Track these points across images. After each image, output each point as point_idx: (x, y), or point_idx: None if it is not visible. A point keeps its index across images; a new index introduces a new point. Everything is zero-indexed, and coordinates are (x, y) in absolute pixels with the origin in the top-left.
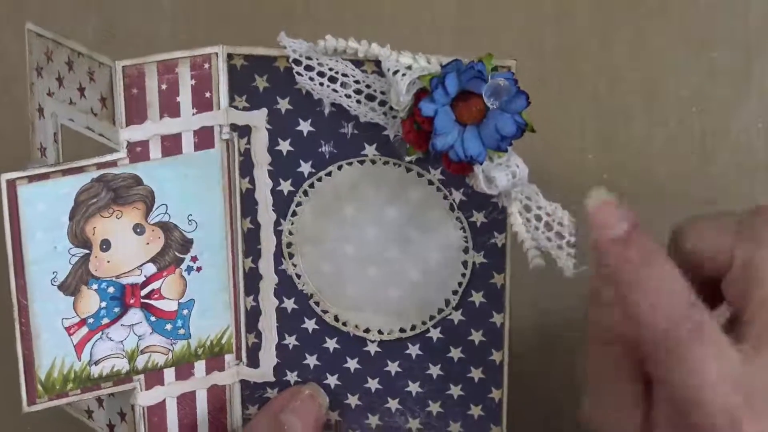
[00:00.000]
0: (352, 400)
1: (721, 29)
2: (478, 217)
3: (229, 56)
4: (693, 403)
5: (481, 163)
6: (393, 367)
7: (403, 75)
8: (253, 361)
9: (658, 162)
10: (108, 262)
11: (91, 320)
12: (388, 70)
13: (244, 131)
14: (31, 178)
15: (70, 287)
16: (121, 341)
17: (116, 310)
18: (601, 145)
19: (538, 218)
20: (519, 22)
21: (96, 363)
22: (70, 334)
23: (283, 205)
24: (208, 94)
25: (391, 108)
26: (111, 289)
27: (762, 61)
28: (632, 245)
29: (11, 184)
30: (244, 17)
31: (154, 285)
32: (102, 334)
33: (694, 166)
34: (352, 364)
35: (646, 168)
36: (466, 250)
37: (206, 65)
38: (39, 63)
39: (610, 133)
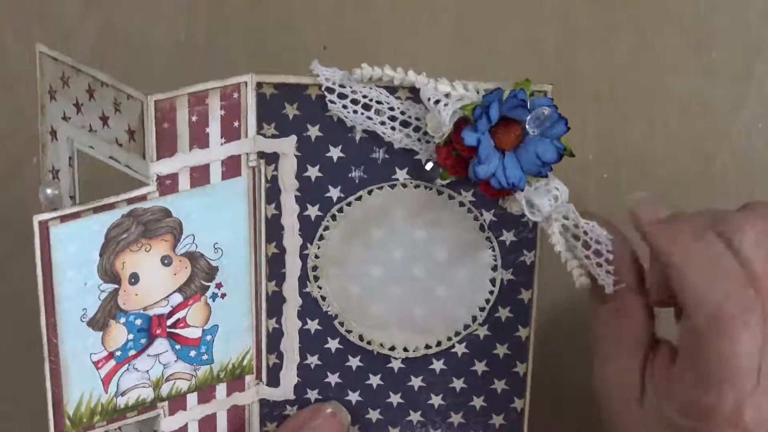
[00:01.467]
0: (373, 415)
1: (721, 29)
2: (508, 237)
3: (258, 85)
4: (716, 377)
5: (522, 190)
6: (416, 382)
7: (445, 105)
8: (274, 381)
9: (658, 162)
10: (136, 295)
11: (118, 353)
12: (429, 99)
13: (271, 158)
14: (63, 218)
15: (99, 322)
16: (147, 371)
17: (143, 341)
18: (601, 145)
19: (576, 237)
20: (519, 22)
21: (122, 394)
22: (98, 369)
23: (310, 229)
24: (236, 123)
25: (425, 133)
26: (138, 321)
27: (762, 61)
28: (681, 222)
29: (44, 226)
30: (244, 17)
31: (180, 314)
32: (129, 365)
33: (694, 166)
34: (374, 380)
35: (646, 168)
36: (495, 268)
37: (235, 95)
38: (53, 86)
39: (610, 133)
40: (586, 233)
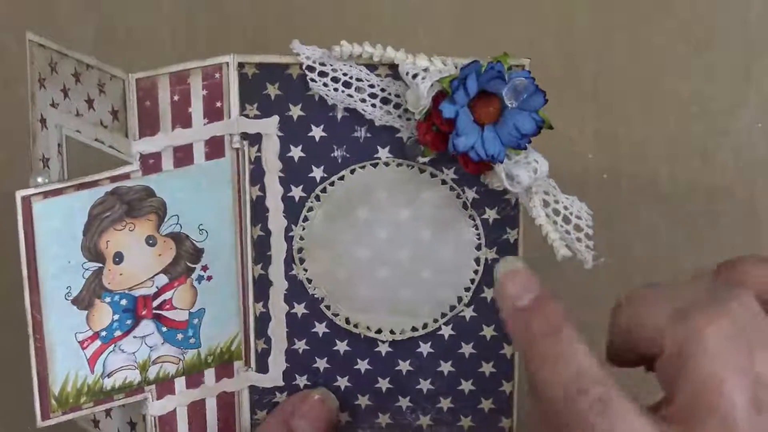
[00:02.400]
0: (363, 401)
1: (721, 29)
2: (491, 214)
3: (240, 65)
4: None
5: (501, 162)
6: (404, 366)
7: (423, 78)
8: (262, 367)
9: (658, 162)
10: (121, 274)
11: (104, 333)
12: (407, 73)
13: (254, 139)
14: (46, 194)
15: (84, 301)
16: (134, 353)
17: (128, 322)
18: (601, 145)
19: (557, 212)
20: (519, 22)
21: (109, 375)
22: (83, 348)
23: (294, 210)
24: (219, 104)
25: (406, 110)
26: (123, 302)
27: (762, 61)
28: (536, 315)
29: (26, 201)
30: (244, 17)
31: (166, 296)
32: (115, 346)
33: (694, 166)
34: (362, 365)
35: (646, 168)
36: (478, 247)
37: (217, 75)
38: (42, 74)
39: (610, 133)
40: (566, 208)
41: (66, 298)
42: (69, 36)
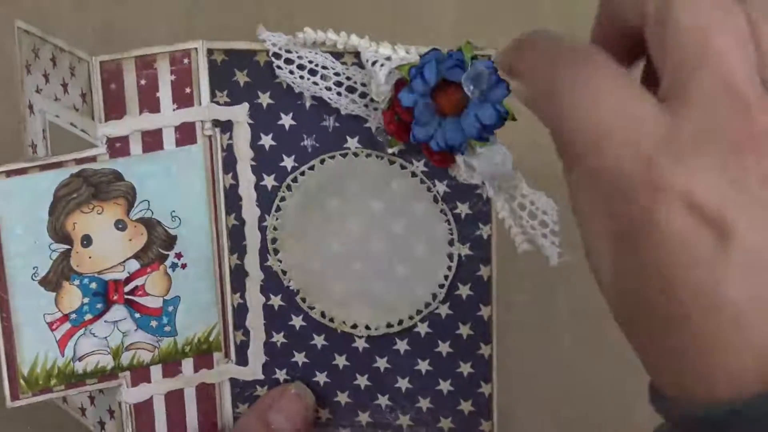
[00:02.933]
0: (342, 398)
1: None
2: (463, 209)
3: (209, 51)
4: (590, 143)
5: (462, 153)
6: (381, 363)
7: (382, 65)
8: (242, 359)
9: None
10: (90, 257)
11: (73, 316)
12: (367, 60)
13: (226, 126)
14: (9, 173)
15: (52, 282)
16: (105, 337)
17: (99, 306)
18: None
19: (522, 207)
20: (519, 22)
21: (80, 359)
22: (52, 330)
23: (267, 200)
24: (188, 90)
25: (372, 100)
26: (93, 285)
27: None
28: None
29: None
30: (244, 17)
31: (138, 281)
32: (85, 330)
33: None
34: (340, 361)
35: None
36: (451, 243)
37: (186, 60)
38: (28, 60)
39: None
40: (532, 203)
41: (33, 279)
42: (69, 36)
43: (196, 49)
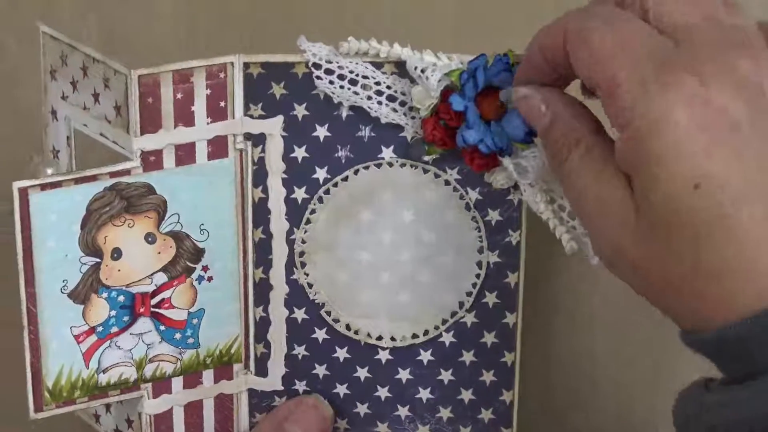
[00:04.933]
0: (361, 409)
1: None
2: (493, 216)
3: (246, 65)
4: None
5: (510, 155)
6: (404, 375)
7: (432, 72)
8: (262, 371)
9: None
10: (119, 270)
11: (100, 329)
12: (415, 68)
13: (258, 140)
14: (44, 186)
15: (80, 295)
16: (130, 350)
17: (126, 318)
18: None
19: (562, 208)
20: (519, 22)
21: (104, 371)
22: (78, 342)
23: (296, 213)
24: (222, 104)
25: (411, 108)
26: (121, 298)
27: None
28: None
29: (23, 192)
30: (244, 17)
31: (165, 294)
32: (111, 342)
33: None
34: (362, 373)
35: None
36: (480, 250)
37: (221, 74)
38: (53, 66)
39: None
40: None
41: (62, 292)
42: (69, 36)
43: (232, 63)
